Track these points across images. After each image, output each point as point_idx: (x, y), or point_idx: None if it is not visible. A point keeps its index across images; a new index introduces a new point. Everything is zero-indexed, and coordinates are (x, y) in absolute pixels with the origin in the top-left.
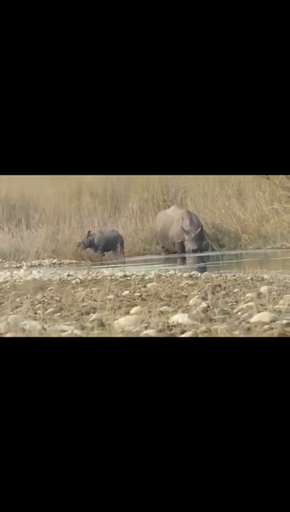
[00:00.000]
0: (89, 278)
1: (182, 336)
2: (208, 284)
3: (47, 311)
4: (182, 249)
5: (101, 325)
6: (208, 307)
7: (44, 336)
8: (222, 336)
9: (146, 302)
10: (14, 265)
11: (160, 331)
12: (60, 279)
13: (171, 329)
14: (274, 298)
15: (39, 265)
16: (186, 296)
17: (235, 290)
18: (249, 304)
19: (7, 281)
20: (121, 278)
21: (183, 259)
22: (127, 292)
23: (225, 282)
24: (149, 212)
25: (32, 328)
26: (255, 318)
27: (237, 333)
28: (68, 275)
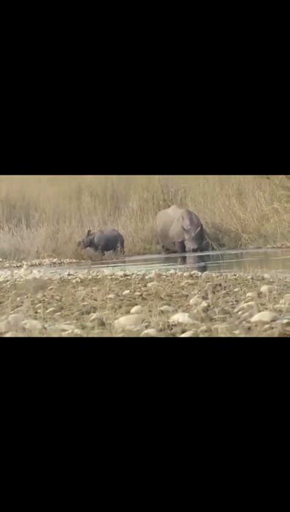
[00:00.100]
0: (89, 277)
1: (183, 335)
2: (208, 283)
3: (47, 311)
4: (183, 249)
5: (102, 324)
6: (209, 306)
7: (44, 335)
8: (223, 335)
9: (146, 302)
10: (15, 265)
11: (160, 330)
12: (61, 278)
13: (172, 329)
14: (274, 297)
15: (39, 264)
16: (186, 296)
17: (236, 290)
18: (250, 303)
19: (7, 280)
20: (122, 277)
21: (184, 259)
22: (127, 291)
23: (226, 281)
24: (149, 212)
25: (33, 327)
26: (255, 317)
27: (238, 332)
28: (68, 274)
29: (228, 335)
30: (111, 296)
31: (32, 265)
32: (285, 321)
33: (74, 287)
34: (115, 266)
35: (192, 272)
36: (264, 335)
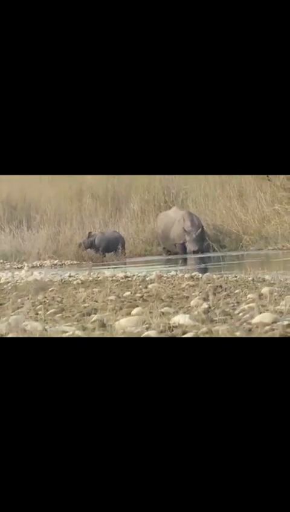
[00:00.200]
0: (90, 278)
1: (183, 337)
2: (209, 285)
3: (48, 312)
4: (183, 250)
5: (102, 325)
6: (209, 307)
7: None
8: (223, 337)
9: (147, 303)
10: (16, 266)
11: (161, 332)
12: (61, 280)
13: (173, 330)
14: (275, 299)
15: (40, 266)
16: (187, 297)
17: (237, 291)
18: (251, 305)
19: (8, 282)
20: (122, 278)
21: (185, 260)
22: (128, 293)
23: (226, 283)
24: (150, 213)
25: (34, 328)
26: (256, 319)
27: (238, 334)
28: (69, 276)
29: (229, 336)
30: (112, 297)
31: (33, 266)
32: (286, 323)
33: (74, 288)
34: (115, 268)
35: (193, 274)
36: (265, 336)
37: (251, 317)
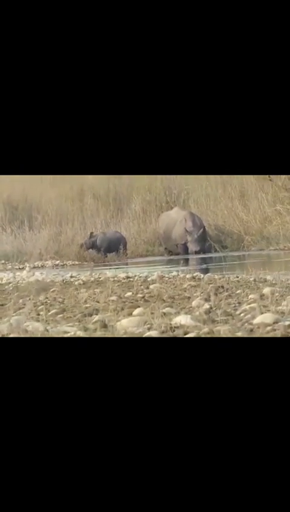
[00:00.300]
0: (92, 279)
1: (185, 337)
2: (210, 285)
3: (50, 313)
4: (185, 251)
5: (104, 326)
6: (211, 308)
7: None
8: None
9: (149, 304)
10: (17, 267)
11: (163, 332)
12: (63, 280)
13: (174, 331)
14: (277, 299)
15: (42, 266)
16: (189, 298)
17: (238, 292)
18: (252, 305)
19: (10, 282)
20: (124, 279)
21: (186, 261)
22: (129, 293)
23: (228, 283)
24: (152, 214)
25: (35, 329)
26: (258, 319)
27: (240, 334)
28: (71, 276)
29: (230, 337)
30: (113, 298)
31: (34, 267)
32: (287, 323)
33: (76, 289)
34: (117, 268)
35: (194, 274)
36: (266, 337)
37: (253, 318)
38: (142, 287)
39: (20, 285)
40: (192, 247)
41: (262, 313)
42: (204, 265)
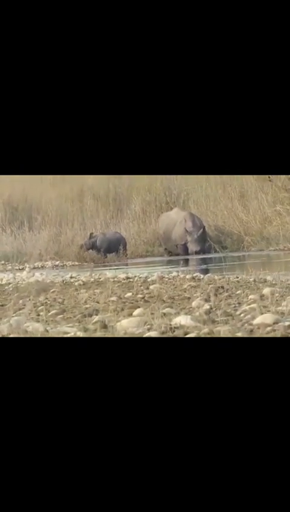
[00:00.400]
0: (92, 279)
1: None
2: (210, 285)
3: (50, 313)
4: (185, 251)
5: (104, 326)
6: (211, 308)
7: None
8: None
9: (149, 304)
10: (17, 267)
11: (163, 333)
12: (63, 281)
13: (174, 331)
14: (277, 300)
15: (42, 267)
16: (189, 298)
17: (238, 292)
18: (252, 305)
19: (10, 283)
20: (124, 279)
21: (186, 261)
22: (129, 294)
23: (228, 284)
24: (152, 214)
25: (35, 329)
26: (257, 320)
27: (240, 335)
28: (71, 277)
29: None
30: (113, 298)
31: (34, 267)
32: (287, 323)
33: (76, 289)
34: (117, 269)
35: (194, 275)
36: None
37: (253, 318)
38: (142, 287)
39: (20, 286)
40: (192, 247)
41: (262, 314)
42: (204, 266)
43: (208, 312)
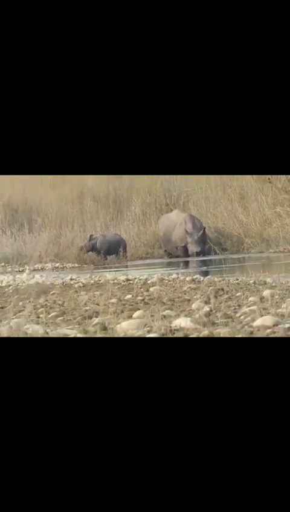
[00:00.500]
0: (92, 281)
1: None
2: (210, 287)
3: (50, 315)
4: (185, 253)
5: (104, 329)
6: (211, 310)
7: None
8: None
9: (149, 306)
10: (17, 269)
11: (163, 335)
12: (63, 283)
13: (174, 333)
14: (277, 302)
15: (42, 269)
16: (189, 300)
17: (238, 294)
18: (252, 307)
19: (10, 285)
20: (124, 281)
21: (186, 263)
22: (129, 296)
23: (228, 286)
24: (152, 216)
25: (35, 332)
26: (257, 322)
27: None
28: (71, 279)
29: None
30: (113, 300)
31: (34, 270)
32: (287, 325)
33: (76, 291)
34: (117, 271)
35: (194, 277)
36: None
37: (253, 320)
38: (142, 289)
39: (20, 288)
40: (192, 248)
41: (262, 316)
42: (204, 268)
43: (208, 314)
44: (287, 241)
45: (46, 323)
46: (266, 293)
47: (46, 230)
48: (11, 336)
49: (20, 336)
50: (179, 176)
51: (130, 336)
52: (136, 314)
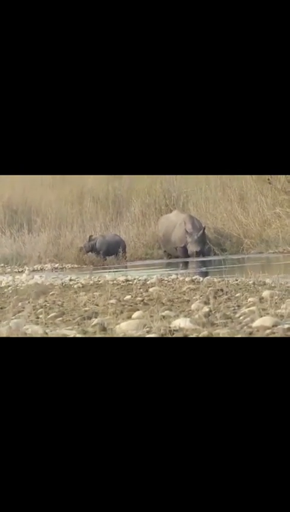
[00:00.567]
0: (91, 282)
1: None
2: (210, 288)
3: (49, 316)
4: (184, 254)
5: (103, 329)
6: (210, 311)
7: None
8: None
9: (148, 307)
10: (16, 270)
11: (162, 335)
12: (62, 283)
13: (173, 334)
14: (276, 303)
15: (41, 269)
16: (188, 301)
17: (237, 295)
18: (251, 308)
19: (9, 286)
20: (123, 282)
21: (186, 264)
22: (129, 297)
23: (227, 286)
24: (151, 217)
25: (34, 332)
26: (257, 322)
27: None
28: (70, 280)
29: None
30: (112, 301)
31: (33, 270)
32: (286, 326)
33: (75, 292)
34: (116, 271)
35: (194, 277)
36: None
37: (252, 321)
38: (141, 290)
39: (19, 289)
40: (192, 247)
41: (261, 316)
42: (203, 268)
43: (207, 315)
44: (287, 242)
45: (45, 323)
46: (266, 293)
47: (45, 230)
48: (11, 336)
49: (20, 336)
50: (178, 177)
51: (129, 337)
52: (135, 314)
